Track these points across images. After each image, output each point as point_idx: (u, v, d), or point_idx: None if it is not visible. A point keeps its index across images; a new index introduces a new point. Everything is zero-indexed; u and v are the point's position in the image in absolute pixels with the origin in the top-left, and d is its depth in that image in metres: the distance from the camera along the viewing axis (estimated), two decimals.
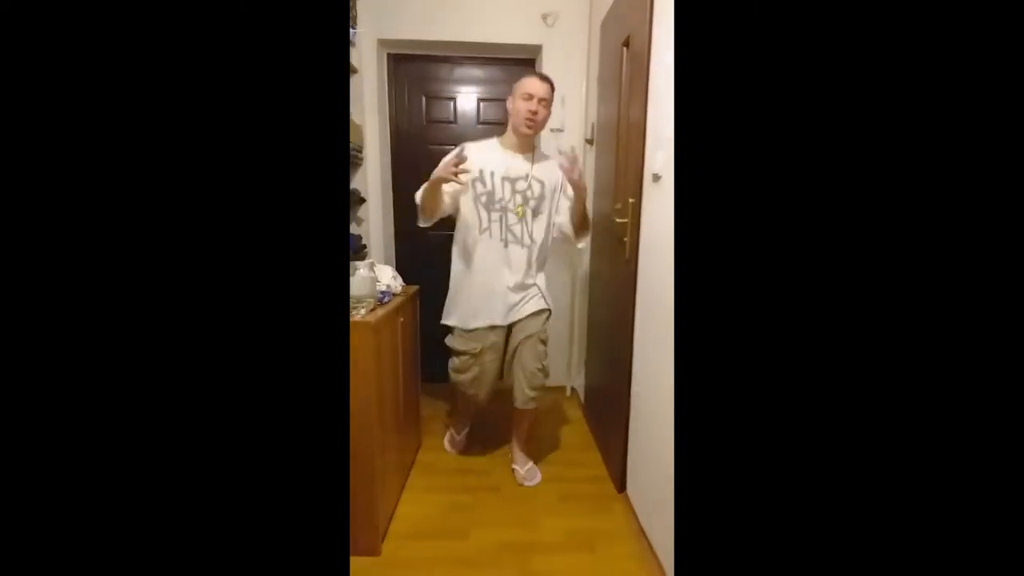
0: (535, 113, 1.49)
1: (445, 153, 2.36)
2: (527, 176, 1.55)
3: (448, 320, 1.65)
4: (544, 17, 2.19)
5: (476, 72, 2.41)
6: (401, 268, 1.88)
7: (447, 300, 1.67)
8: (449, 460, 1.85)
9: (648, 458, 1.39)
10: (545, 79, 1.51)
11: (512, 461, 1.78)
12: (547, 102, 1.50)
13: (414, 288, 1.73)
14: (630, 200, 1.47)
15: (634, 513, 1.49)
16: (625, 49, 1.59)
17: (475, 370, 1.63)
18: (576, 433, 2.08)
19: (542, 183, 1.57)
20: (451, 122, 2.44)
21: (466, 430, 1.89)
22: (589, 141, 2.20)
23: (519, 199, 1.54)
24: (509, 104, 1.55)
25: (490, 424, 2.04)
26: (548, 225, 1.61)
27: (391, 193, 2.45)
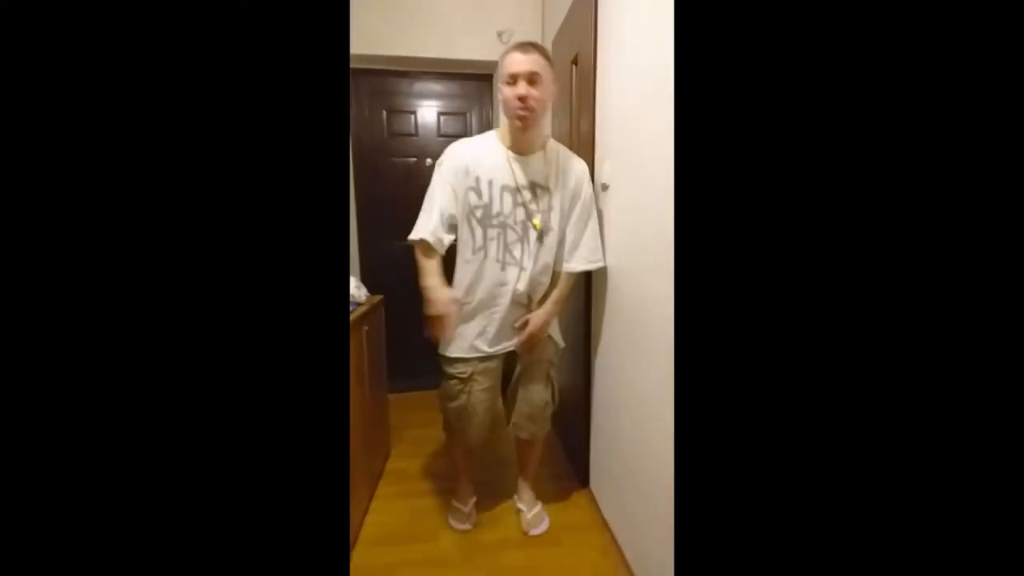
0: (524, 99, 1.13)
1: (407, 164, 2.47)
2: (531, 184, 1.23)
3: (447, 351, 1.36)
4: (499, 34, 2.27)
5: (435, 87, 2.47)
6: (365, 278, 1.91)
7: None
8: (418, 467, 1.88)
9: (609, 453, 1.46)
10: (530, 48, 1.14)
11: (517, 500, 1.58)
12: (539, 77, 1.13)
13: (378, 298, 1.76)
14: None
15: (597, 506, 1.55)
16: (574, 66, 1.68)
17: (462, 399, 1.34)
18: None
19: (549, 192, 1.25)
20: (412, 135, 2.49)
21: (472, 500, 1.54)
22: None
23: (521, 213, 1.23)
24: (499, 94, 1.20)
25: None
26: (557, 243, 1.30)
27: (353, 204, 2.48)
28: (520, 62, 1.13)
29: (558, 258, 1.32)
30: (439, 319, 1.22)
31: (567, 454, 1.90)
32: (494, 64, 2.33)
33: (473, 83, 2.47)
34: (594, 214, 1.33)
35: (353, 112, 2.41)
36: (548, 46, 2.16)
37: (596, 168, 1.47)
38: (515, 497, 1.60)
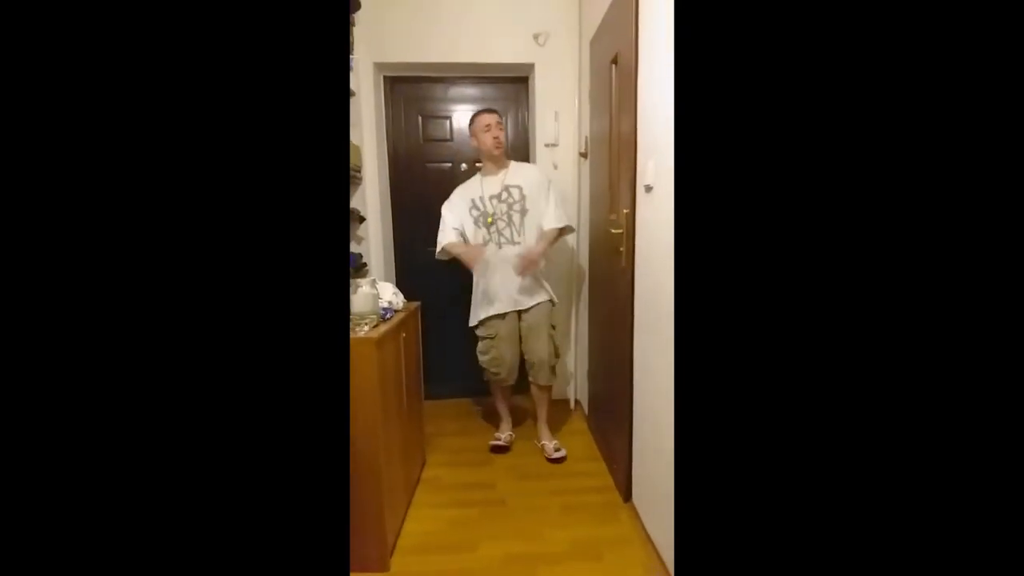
0: (497, 137, 1.92)
1: (442, 170, 2.47)
2: (505, 187, 1.94)
3: (472, 322, 2.02)
4: (535, 36, 2.25)
5: (471, 91, 2.46)
6: (401, 285, 1.91)
7: (471, 308, 2.03)
8: (455, 476, 1.86)
9: (653, 466, 1.40)
10: (491, 111, 1.97)
11: (539, 439, 2.04)
12: (501, 125, 1.95)
13: (415, 304, 1.76)
14: (624, 211, 1.50)
15: (640, 521, 1.49)
16: (614, 66, 1.64)
17: (493, 352, 1.96)
18: (581, 444, 2.09)
19: (519, 186, 1.94)
20: (447, 140, 2.49)
21: (509, 433, 2.09)
22: (583, 154, 2.24)
23: (504, 208, 1.93)
24: (473, 141, 1.99)
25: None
26: (538, 220, 1.94)
27: (390, 211, 2.50)
28: (491, 118, 1.93)
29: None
30: (478, 265, 1.93)
31: (610, 467, 1.84)
32: (530, 67, 2.31)
33: (509, 86, 2.45)
34: (551, 191, 1.97)
35: (388, 119, 2.43)
36: (585, 46, 2.12)
37: (639, 169, 1.42)
38: (537, 438, 2.06)
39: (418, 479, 1.81)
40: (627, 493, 1.62)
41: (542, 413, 2.06)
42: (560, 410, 2.41)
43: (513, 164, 2.01)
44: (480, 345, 2.01)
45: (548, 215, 1.94)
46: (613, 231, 1.62)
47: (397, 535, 1.48)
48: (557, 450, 1.94)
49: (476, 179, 2.02)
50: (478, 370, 2.04)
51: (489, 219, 1.92)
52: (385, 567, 1.35)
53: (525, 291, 1.94)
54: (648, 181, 1.33)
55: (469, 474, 1.86)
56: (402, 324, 1.53)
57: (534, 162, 2.04)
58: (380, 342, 1.29)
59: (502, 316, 1.94)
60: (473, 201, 1.96)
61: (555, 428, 2.08)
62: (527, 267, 1.88)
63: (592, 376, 2.23)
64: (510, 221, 1.93)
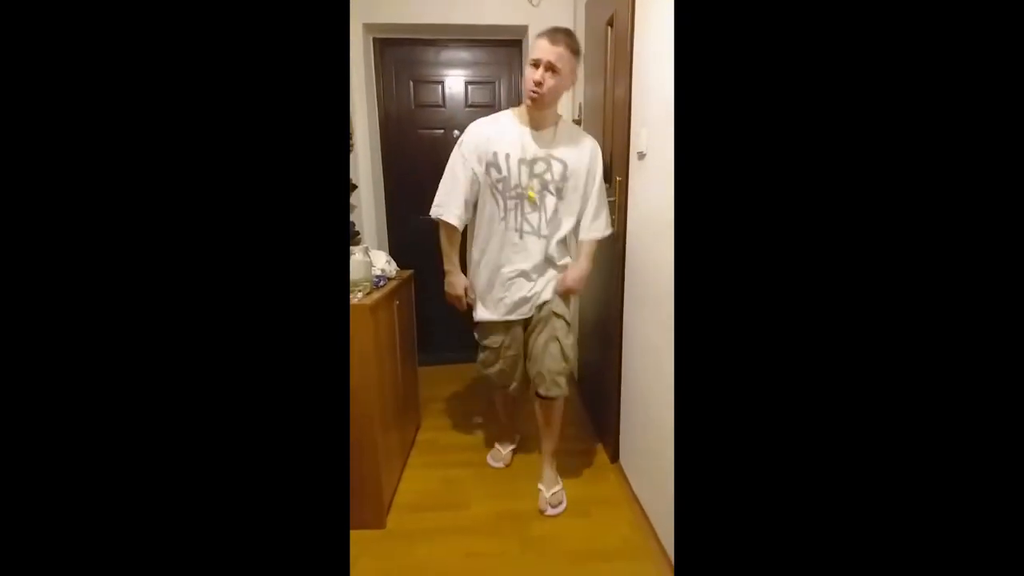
0: (539, 84, 1.24)
1: (435, 136, 2.43)
2: (546, 156, 1.34)
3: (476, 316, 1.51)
4: None
5: (463, 55, 2.40)
6: (394, 253, 1.91)
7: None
8: (448, 438, 1.91)
9: (639, 429, 1.45)
10: (557, 39, 1.23)
11: (539, 478, 1.56)
12: (558, 68, 1.24)
13: (408, 272, 1.76)
14: (617, 179, 1.50)
15: (627, 481, 1.55)
16: (609, 28, 1.60)
17: (499, 365, 1.52)
18: (571, 409, 2.13)
19: (564, 163, 1.34)
20: (439, 106, 2.45)
21: (511, 447, 1.74)
22: (577, 121, 2.21)
23: (536, 184, 1.34)
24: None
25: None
26: (576, 212, 1.40)
27: (382, 178, 2.47)
28: (544, 50, 1.24)
29: (580, 226, 1.44)
30: (455, 299, 1.49)
31: (597, 429, 1.90)
32: (524, 29, 2.24)
33: (503, 49, 2.39)
34: (598, 181, 1.42)
35: (379, 84, 2.38)
36: (580, 7, 2.06)
37: (632, 136, 1.41)
38: (540, 476, 1.58)
39: (413, 441, 1.86)
40: (614, 454, 1.67)
41: (547, 444, 1.56)
42: None
43: (564, 125, 1.39)
44: (481, 355, 1.56)
45: (597, 221, 1.41)
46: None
47: (393, 494, 1.54)
48: (555, 505, 1.47)
49: (508, 121, 1.35)
50: (471, 336, 1.72)
51: (531, 196, 1.34)
52: (381, 524, 1.41)
53: (537, 291, 1.43)
54: (641, 148, 1.33)
55: (463, 437, 1.91)
56: (395, 292, 1.54)
57: (563, 120, 1.41)
58: (374, 309, 1.30)
59: (506, 324, 1.46)
60: (496, 158, 1.32)
61: None
62: (569, 294, 1.45)
63: (581, 341, 2.27)
64: (541, 204, 1.36)
